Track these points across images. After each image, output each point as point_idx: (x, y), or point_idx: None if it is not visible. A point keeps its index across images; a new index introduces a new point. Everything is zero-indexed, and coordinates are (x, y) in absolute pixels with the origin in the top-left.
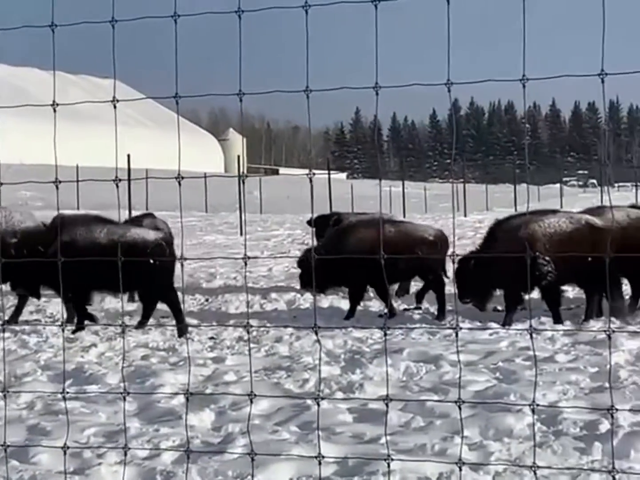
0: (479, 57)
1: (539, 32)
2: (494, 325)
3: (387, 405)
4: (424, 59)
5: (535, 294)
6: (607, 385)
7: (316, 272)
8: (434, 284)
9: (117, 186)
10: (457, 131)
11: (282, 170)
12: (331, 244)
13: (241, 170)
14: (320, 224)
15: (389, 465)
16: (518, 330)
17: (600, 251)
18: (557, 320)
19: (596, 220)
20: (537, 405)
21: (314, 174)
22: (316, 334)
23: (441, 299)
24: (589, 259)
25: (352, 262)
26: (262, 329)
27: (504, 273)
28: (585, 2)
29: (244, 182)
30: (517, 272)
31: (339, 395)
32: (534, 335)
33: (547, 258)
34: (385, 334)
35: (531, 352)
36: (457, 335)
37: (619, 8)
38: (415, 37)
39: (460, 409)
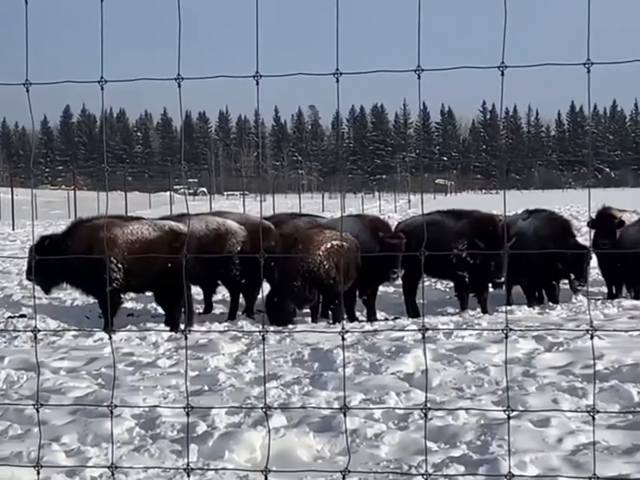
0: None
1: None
2: (97, 330)
3: None
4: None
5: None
6: (206, 388)
7: None
8: None
9: None
10: (69, 138)
11: None
12: None
13: None
14: None
15: None
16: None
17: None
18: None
19: (180, 227)
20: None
21: None
22: None
23: None
24: (169, 264)
25: None
26: None
27: (71, 269)
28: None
29: None
30: (88, 271)
31: None
32: (139, 341)
33: (119, 265)
34: None
35: (134, 358)
36: (36, 337)
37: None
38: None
39: (38, 411)
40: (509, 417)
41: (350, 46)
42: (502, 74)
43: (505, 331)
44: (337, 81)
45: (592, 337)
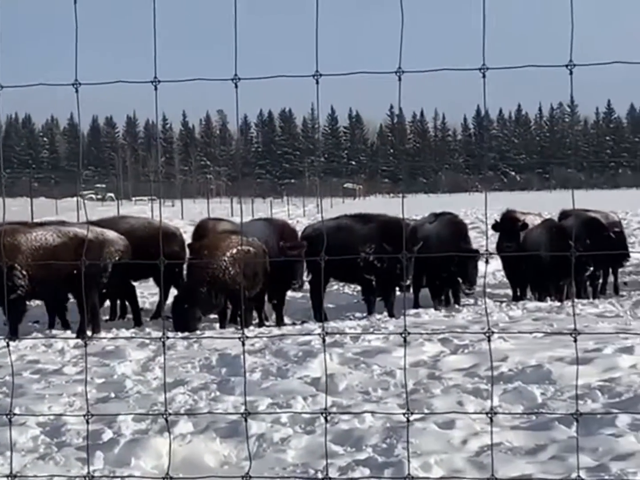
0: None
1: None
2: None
3: None
4: None
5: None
6: (112, 395)
7: None
8: None
9: None
10: None
11: None
12: None
13: None
14: None
15: None
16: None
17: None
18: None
19: (85, 232)
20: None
21: None
22: None
23: None
24: (74, 271)
25: None
26: None
27: None
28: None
29: None
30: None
31: None
32: (45, 348)
33: (23, 272)
34: None
35: (40, 365)
36: None
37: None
38: None
39: None
40: (408, 420)
41: (252, 51)
42: (400, 79)
43: (404, 335)
44: (236, 86)
45: (489, 340)
